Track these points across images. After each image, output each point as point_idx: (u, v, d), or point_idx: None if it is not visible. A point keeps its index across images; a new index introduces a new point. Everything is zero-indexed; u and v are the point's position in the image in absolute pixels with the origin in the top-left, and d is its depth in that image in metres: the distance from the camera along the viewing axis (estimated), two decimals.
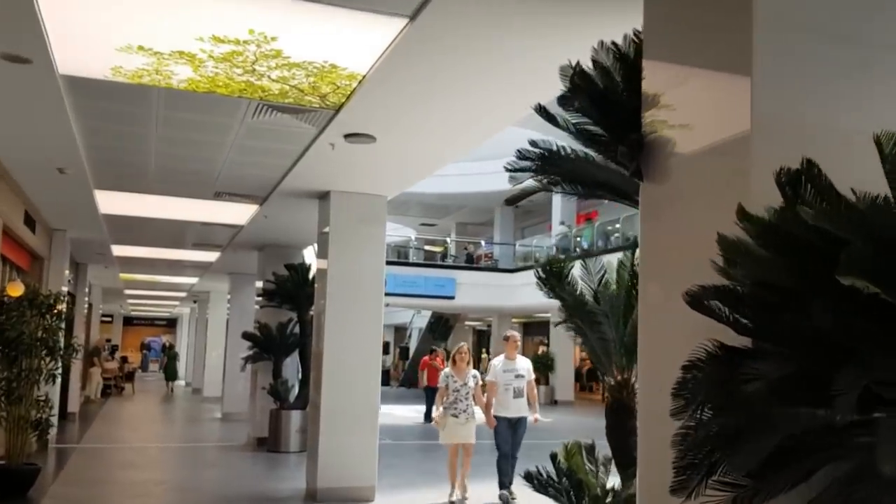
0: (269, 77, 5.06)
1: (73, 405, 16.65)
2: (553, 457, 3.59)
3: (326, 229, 8.63)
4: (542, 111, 3.34)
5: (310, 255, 14.74)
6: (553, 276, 3.65)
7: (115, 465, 10.37)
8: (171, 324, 45.10)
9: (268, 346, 12.68)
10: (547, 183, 3.48)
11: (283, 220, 10.44)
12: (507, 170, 3.49)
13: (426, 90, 5.27)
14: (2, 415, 7.88)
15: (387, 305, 25.37)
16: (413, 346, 37.15)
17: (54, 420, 11.66)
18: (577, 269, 3.92)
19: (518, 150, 3.43)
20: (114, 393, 24.76)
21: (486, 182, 28.82)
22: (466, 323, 39.03)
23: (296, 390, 12.70)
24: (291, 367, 12.96)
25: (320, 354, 8.46)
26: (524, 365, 8.39)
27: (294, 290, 12.41)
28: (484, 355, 41.61)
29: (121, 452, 11.68)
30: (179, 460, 11.47)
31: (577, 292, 3.59)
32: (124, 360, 28.89)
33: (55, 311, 8.33)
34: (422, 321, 36.68)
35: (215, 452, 12.23)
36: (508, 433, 8.18)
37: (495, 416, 8.19)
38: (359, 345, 8.48)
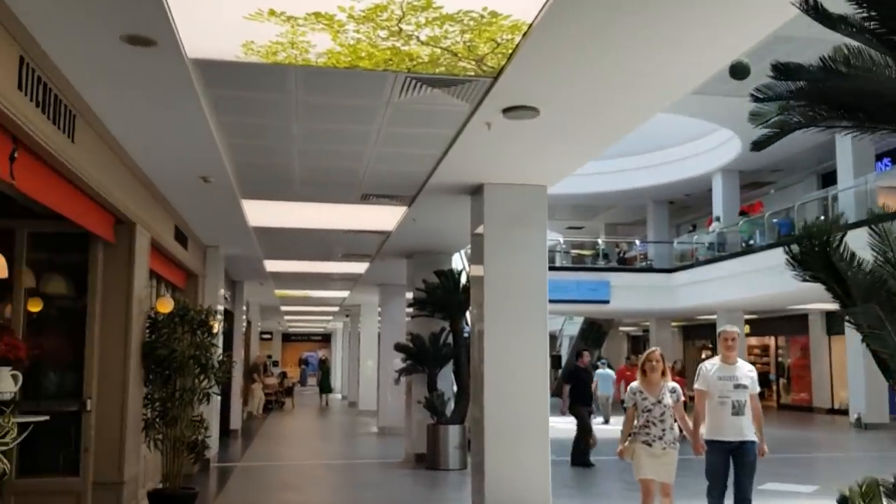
0: (417, 39, 4.28)
1: (236, 422, 16.81)
2: (843, 501, 2.52)
3: (480, 229, 7.82)
4: (812, 8, 2.29)
5: (458, 261, 14.06)
6: (816, 252, 2.59)
7: (274, 485, 10.01)
8: (325, 338, 46.20)
9: (421, 357, 12.06)
10: (815, 115, 2.43)
11: (432, 222, 9.75)
12: (756, 98, 2.47)
13: (602, 42, 4.31)
14: (158, 437, 7.59)
15: None
16: (564, 354, 35.87)
17: (213, 440, 11.57)
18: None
19: (775, 64, 2.40)
20: (275, 408, 25.23)
21: (636, 178, 27.29)
22: (620, 329, 37.31)
23: (452, 404, 12.01)
24: (446, 378, 12.28)
25: (480, 367, 7.65)
26: (747, 372, 6.22)
27: (445, 298, 11.72)
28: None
29: (280, 471, 11.39)
30: (339, 479, 11.02)
31: (868, 269, 2.50)
32: (283, 375, 29.53)
33: (207, 327, 8.00)
34: (572, 328, 35.33)
35: (374, 470, 11.71)
36: (723, 465, 6.04)
37: (706, 441, 6.15)
38: (523, 355, 7.61)
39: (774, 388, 28.63)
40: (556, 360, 34.03)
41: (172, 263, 9.76)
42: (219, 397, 9.45)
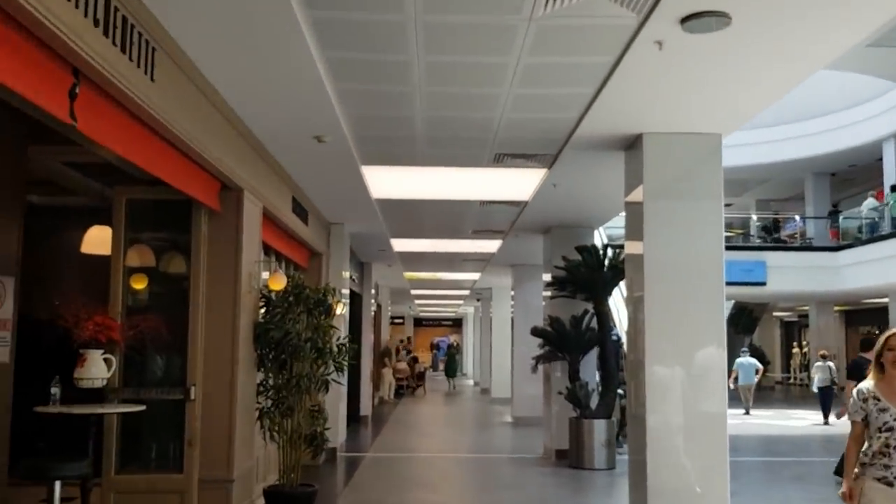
0: None
1: (366, 408, 16.23)
2: None
3: (637, 194, 6.51)
4: None
5: (599, 237, 12.71)
6: None
7: (403, 482, 9.13)
8: (457, 323, 45.73)
9: (561, 342, 10.83)
10: None
11: (575, 188, 8.49)
12: None
13: None
14: (273, 429, 6.82)
15: None
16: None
17: (341, 429, 10.86)
18: None
19: None
20: (406, 393, 24.74)
21: (792, 148, 24.72)
22: (774, 314, 34.42)
23: (597, 395, 10.74)
24: (589, 366, 11.00)
25: (640, 359, 6.37)
26: None
27: (589, 277, 10.44)
28: (795, 350, 36.53)
29: (410, 464, 10.53)
30: (473, 476, 10.01)
31: None
32: (415, 360, 29.07)
33: (326, 307, 7.15)
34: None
35: (511, 467, 10.63)
36: None
37: None
38: (694, 346, 6.28)
39: None
40: None
41: (292, 240, 9.04)
42: (342, 386, 8.63)
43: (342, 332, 10.88)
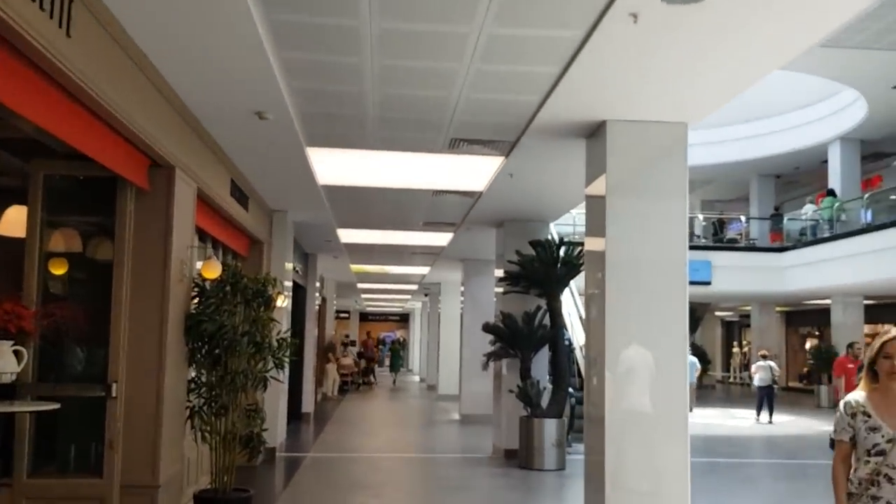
0: None
1: (308, 405, 15.68)
2: None
3: (598, 185, 6.19)
4: None
5: (552, 233, 12.42)
6: None
7: (345, 485, 8.67)
8: (404, 319, 45.29)
9: (513, 339, 10.50)
10: None
11: (532, 178, 8.15)
12: None
13: None
14: (205, 429, 6.30)
15: None
16: None
17: (280, 428, 10.33)
18: None
19: None
20: (351, 389, 24.21)
21: (737, 150, 24.96)
22: (716, 313, 34.86)
23: (548, 394, 10.44)
24: (540, 365, 10.69)
25: (599, 358, 6.05)
26: None
27: (543, 272, 10.13)
28: (735, 350, 37.05)
29: (353, 465, 10.07)
30: (420, 478, 9.61)
31: None
32: (360, 355, 28.55)
33: (265, 298, 6.63)
34: None
35: (460, 467, 10.25)
36: None
37: None
38: (656, 346, 6.00)
39: None
40: None
41: (230, 226, 8.49)
42: (282, 383, 8.12)
43: (283, 325, 10.37)
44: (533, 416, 10.00)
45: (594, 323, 6.31)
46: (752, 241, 24.30)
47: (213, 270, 6.20)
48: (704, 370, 30.37)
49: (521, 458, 10.05)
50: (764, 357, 18.40)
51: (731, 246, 23.45)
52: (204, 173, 6.56)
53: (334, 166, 8.10)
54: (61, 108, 4.15)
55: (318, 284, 16.73)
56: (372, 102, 5.84)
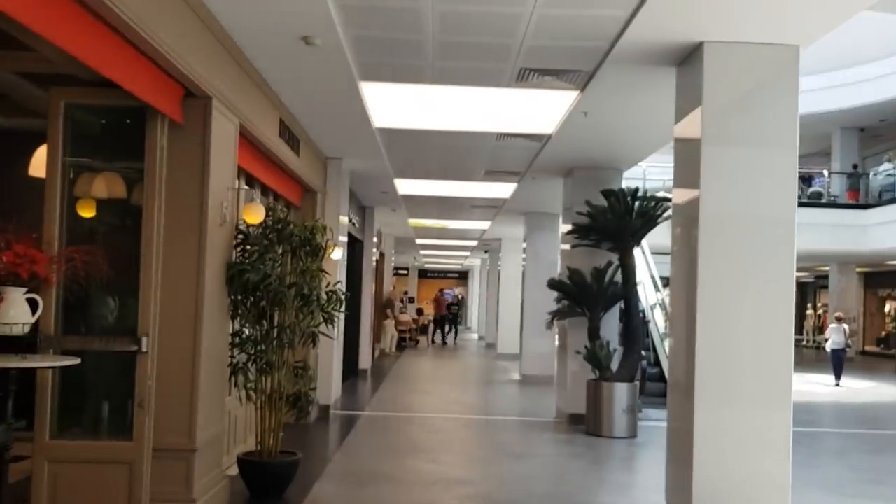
0: None
1: (365, 361, 15.29)
2: None
3: (692, 126, 5.36)
4: None
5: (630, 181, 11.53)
6: None
7: (400, 447, 8.14)
8: (462, 276, 44.83)
9: (581, 297, 9.75)
10: None
11: (610, 116, 7.30)
12: None
13: None
14: (250, 388, 5.79)
15: None
16: None
17: (335, 385, 9.87)
18: None
19: None
20: (409, 346, 23.86)
21: (816, 101, 23.32)
22: None
23: (618, 356, 9.71)
24: (609, 325, 9.93)
25: (690, 319, 5.29)
26: None
27: (616, 225, 9.31)
28: (809, 312, 35.37)
29: (409, 426, 9.56)
30: (479, 442, 9.02)
31: None
32: (419, 312, 28.17)
33: (313, 246, 6.03)
34: None
35: (522, 432, 9.64)
36: None
37: None
38: (756, 308, 5.20)
39: None
40: None
41: (281, 171, 7.91)
42: (333, 339, 7.57)
43: (336, 278, 9.84)
44: (602, 380, 9.30)
45: (682, 282, 5.54)
46: (833, 198, 22.82)
47: (255, 214, 5.62)
48: None
49: (588, 423, 9.39)
50: (839, 320, 17.94)
51: (814, 202, 22.03)
52: (247, 108, 5.94)
53: (390, 106, 7.42)
54: (85, 28, 3.59)
55: (375, 239, 16.19)
56: (432, 23, 5.10)
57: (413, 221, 17.85)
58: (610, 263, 9.66)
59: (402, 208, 15.17)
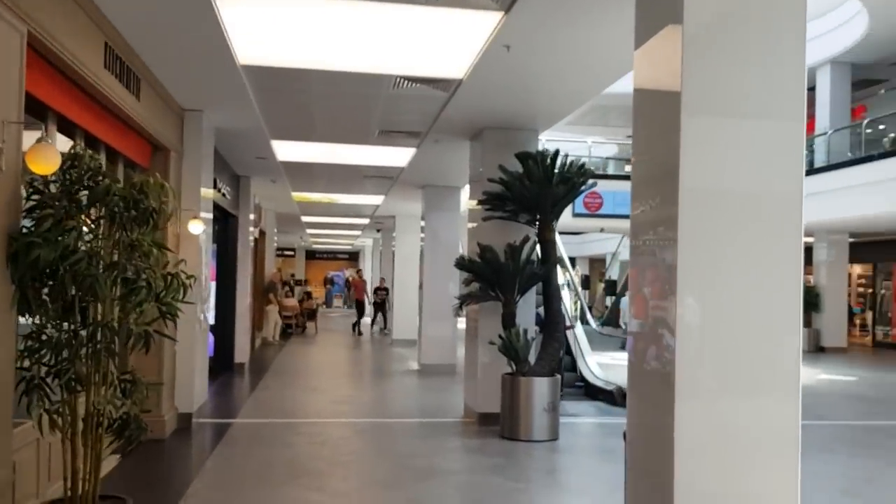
0: None
1: (242, 354, 13.44)
2: None
3: (663, 60, 3.97)
4: None
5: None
6: None
7: (280, 472, 6.46)
8: (353, 257, 43.11)
9: (495, 278, 8.35)
10: None
11: (538, 51, 5.85)
12: None
13: None
14: (51, 409, 4.02)
15: (601, 230, 20.26)
16: (620, 280, 32.26)
17: (201, 385, 8.07)
18: None
19: None
20: (295, 332, 21.99)
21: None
22: None
23: (536, 347, 8.41)
24: (523, 310, 8.59)
25: (676, 307, 3.89)
26: None
27: (536, 192, 7.95)
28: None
29: (291, 438, 7.89)
30: (379, 459, 7.43)
31: None
32: (307, 295, 26.24)
33: (145, 211, 4.28)
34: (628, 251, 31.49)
35: (427, 439, 8.15)
36: None
37: None
38: (758, 294, 3.83)
39: (859, 322, 24.58)
40: (611, 286, 30.39)
41: (114, 118, 6.06)
42: (176, 341, 5.81)
43: (201, 259, 8.03)
44: (519, 374, 7.96)
45: (667, 267, 4.16)
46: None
47: (43, 160, 3.78)
48: None
49: (503, 425, 8.04)
50: None
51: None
52: (46, 18, 4.12)
53: (260, 35, 5.72)
54: None
55: (252, 216, 14.28)
56: None
57: (297, 195, 16.02)
58: (527, 238, 8.30)
59: (284, 179, 13.34)
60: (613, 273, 33.34)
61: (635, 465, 4.26)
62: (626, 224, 16.47)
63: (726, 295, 3.83)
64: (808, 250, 22.24)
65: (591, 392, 11.00)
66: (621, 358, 16.42)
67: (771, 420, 3.82)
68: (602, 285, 34.61)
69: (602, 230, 22.11)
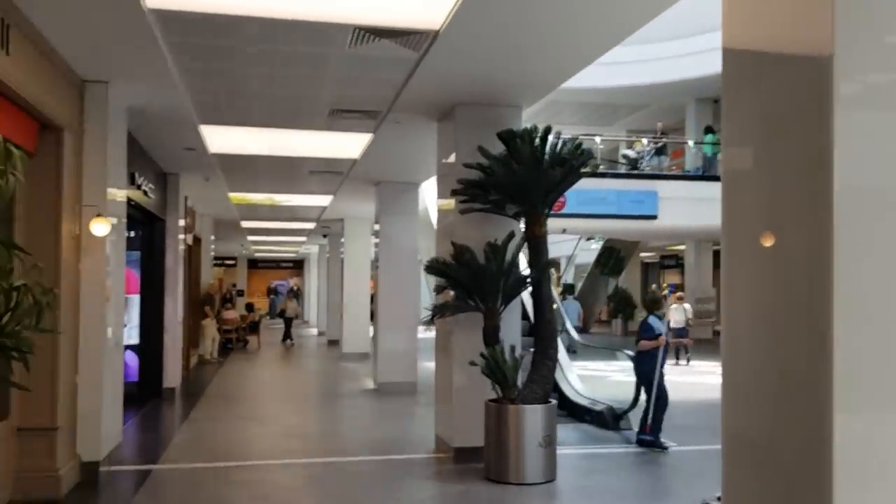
0: None
1: (173, 378, 11.69)
2: None
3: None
4: None
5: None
6: None
7: None
8: (298, 265, 41.24)
9: (474, 284, 6.88)
10: None
11: (516, 11, 4.45)
12: None
13: None
14: None
15: (563, 231, 18.88)
16: (577, 283, 31.19)
17: (115, 420, 6.41)
18: None
19: None
20: (236, 348, 20.18)
21: (673, 69, 22.02)
22: (642, 254, 32.54)
23: (526, 367, 6.97)
24: (511, 322, 7.17)
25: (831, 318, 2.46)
26: None
27: (525, 177, 6.52)
28: (652, 287, 34.63)
29: (224, 492, 6.27)
30: None
31: None
32: (249, 307, 24.42)
33: None
34: (587, 255, 30.50)
35: (394, 486, 6.56)
36: None
37: None
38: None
39: None
40: (569, 289, 29.21)
41: None
42: (28, 390, 4.20)
43: (105, 266, 6.34)
44: (507, 401, 6.52)
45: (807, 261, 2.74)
46: (697, 169, 21.51)
47: None
48: (630, 315, 28.03)
49: (488, 464, 6.58)
50: (679, 300, 18.60)
51: (680, 174, 20.62)
52: None
53: None
54: None
55: (183, 221, 12.52)
56: None
57: (235, 196, 14.29)
58: (512, 235, 6.87)
59: (219, 176, 11.65)
60: (569, 277, 32.30)
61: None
62: (590, 224, 15.09)
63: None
64: None
65: (576, 412, 9.61)
66: (595, 368, 15.24)
67: None
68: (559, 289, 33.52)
69: (564, 231, 20.88)
